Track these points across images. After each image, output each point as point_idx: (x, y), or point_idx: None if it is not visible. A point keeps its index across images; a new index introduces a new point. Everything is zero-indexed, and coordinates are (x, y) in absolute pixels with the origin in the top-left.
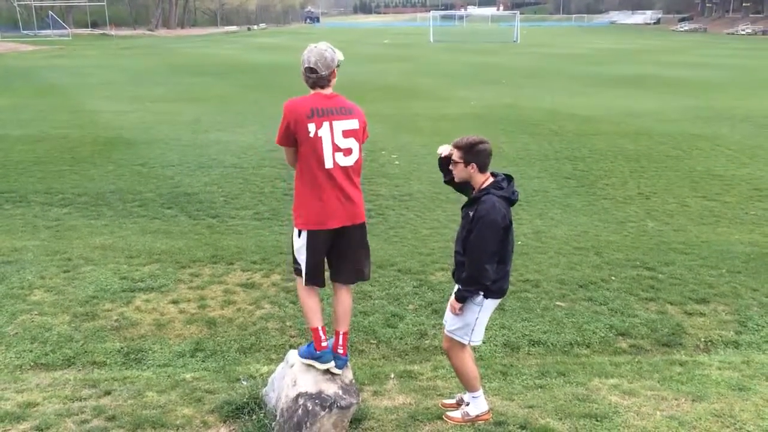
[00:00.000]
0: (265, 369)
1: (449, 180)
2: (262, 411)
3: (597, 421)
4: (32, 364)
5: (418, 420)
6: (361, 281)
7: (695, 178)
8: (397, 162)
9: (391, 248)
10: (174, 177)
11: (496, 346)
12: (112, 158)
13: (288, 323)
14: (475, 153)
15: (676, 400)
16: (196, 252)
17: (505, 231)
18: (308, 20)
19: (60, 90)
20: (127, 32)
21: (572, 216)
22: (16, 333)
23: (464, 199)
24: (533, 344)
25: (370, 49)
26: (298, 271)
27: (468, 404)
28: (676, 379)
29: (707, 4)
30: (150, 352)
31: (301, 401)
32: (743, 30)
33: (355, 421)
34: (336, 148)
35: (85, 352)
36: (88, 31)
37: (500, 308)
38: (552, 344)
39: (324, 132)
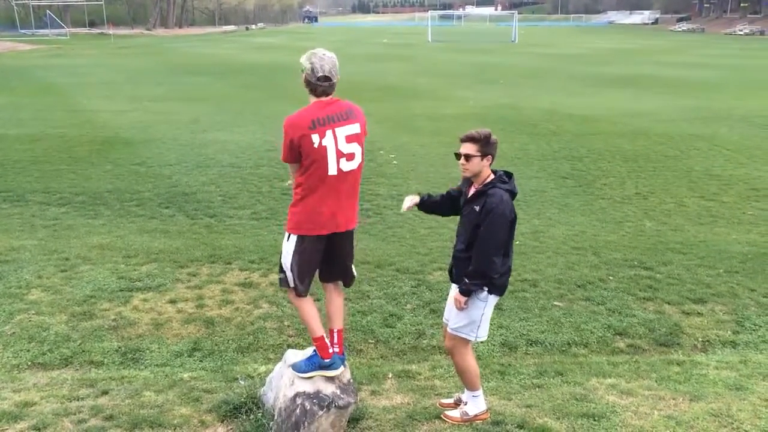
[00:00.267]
0: (263, 368)
1: (422, 206)
2: (260, 410)
3: (594, 420)
4: (29, 363)
5: (416, 419)
6: (350, 279)
7: (693, 178)
8: (395, 162)
9: (389, 248)
10: (172, 176)
11: (494, 345)
12: (110, 158)
13: (286, 323)
14: (491, 145)
15: (673, 399)
16: (193, 251)
17: (511, 224)
18: (306, 20)
19: (58, 89)
20: (125, 31)
21: (570, 216)
22: (14, 332)
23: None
24: (531, 344)
25: (368, 49)
26: (284, 282)
27: (466, 403)
28: (674, 378)
29: (705, 5)
30: (147, 351)
31: (299, 401)
32: (741, 30)
33: (353, 420)
34: (340, 154)
35: (83, 351)
36: (86, 30)
37: (498, 308)
38: (550, 344)
39: (328, 141)
